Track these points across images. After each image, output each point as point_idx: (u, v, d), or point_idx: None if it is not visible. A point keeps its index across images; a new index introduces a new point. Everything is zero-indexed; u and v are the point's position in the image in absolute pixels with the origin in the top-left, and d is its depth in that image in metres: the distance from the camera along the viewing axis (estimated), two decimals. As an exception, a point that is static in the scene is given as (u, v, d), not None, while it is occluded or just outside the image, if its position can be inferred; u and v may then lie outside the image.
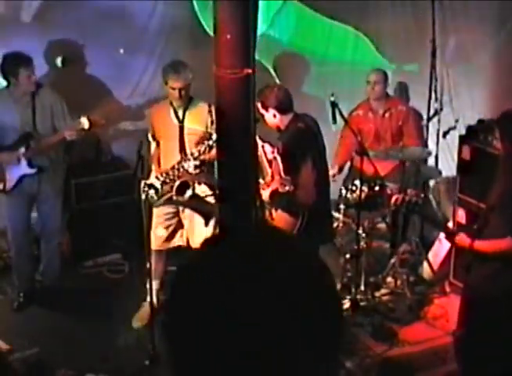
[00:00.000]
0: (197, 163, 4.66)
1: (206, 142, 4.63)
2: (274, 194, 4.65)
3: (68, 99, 5.16)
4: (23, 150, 4.95)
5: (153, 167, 5.00)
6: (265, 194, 4.65)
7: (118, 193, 5.80)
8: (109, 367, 4.33)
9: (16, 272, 5.32)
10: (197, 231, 4.97)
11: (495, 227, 3.77)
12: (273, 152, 4.78)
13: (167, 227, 5.05)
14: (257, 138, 4.62)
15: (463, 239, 3.93)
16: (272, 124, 4.67)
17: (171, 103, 4.87)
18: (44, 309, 5.19)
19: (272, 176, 4.71)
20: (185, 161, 4.71)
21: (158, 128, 4.94)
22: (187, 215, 5.02)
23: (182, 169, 4.72)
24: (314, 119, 4.73)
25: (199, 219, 4.98)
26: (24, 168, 4.99)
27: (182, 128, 4.87)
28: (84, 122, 4.78)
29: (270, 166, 4.75)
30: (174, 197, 4.78)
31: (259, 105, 4.57)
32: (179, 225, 5.08)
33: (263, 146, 4.72)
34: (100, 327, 4.92)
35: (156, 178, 4.78)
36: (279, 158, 4.65)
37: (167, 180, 4.76)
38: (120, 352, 4.68)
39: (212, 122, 4.75)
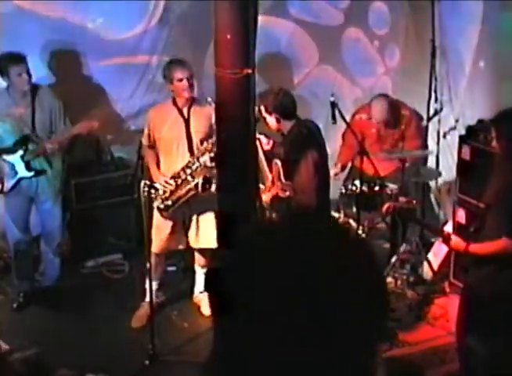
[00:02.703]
0: (212, 155, 4.62)
1: None
2: (274, 199, 4.63)
3: (67, 101, 5.17)
4: (21, 152, 4.95)
5: (153, 171, 4.94)
6: (265, 199, 4.63)
7: (118, 193, 5.80)
8: (109, 367, 4.33)
9: (15, 272, 5.32)
10: (203, 233, 4.96)
11: (491, 228, 3.77)
12: (268, 143, 4.78)
13: (171, 230, 4.99)
14: None
15: (457, 243, 3.93)
16: (274, 128, 4.64)
17: (174, 103, 4.85)
18: (44, 309, 5.19)
19: (273, 181, 4.68)
20: (201, 156, 4.67)
21: (161, 128, 4.88)
22: (193, 217, 5.00)
23: (196, 166, 4.69)
24: (316, 125, 4.71)
25: (205, 221, 4.96)
26: (22, 171, 4.99)
27: (188, 127, 4.84)
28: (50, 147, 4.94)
29: (270, 171, 4.73)
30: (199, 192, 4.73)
31: (262, 108, 4.53)
32: (182, 228, 5.06)
33: (259, 138, 4.70)
34: (100, 326, 4.92)
35: (166, 182, 4.75)
36: (279, 163, 4.63)
37: (179, 182, 4.72)
38: (120, 352, 4.68)
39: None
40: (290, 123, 4.55)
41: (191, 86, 4.77)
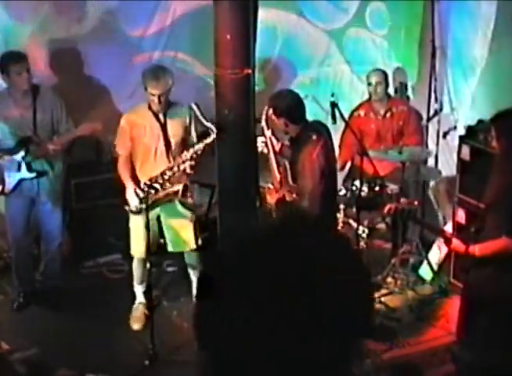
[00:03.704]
0: (193, 163, 4.64)
1: (204, 141, 4.61)
2: (279, 201, 4.60)
3: (67, 101, 5.16)
4: (22, 153, 4.94)
5: (128, 184, 4.81)
6: (272, 201, 4.61)
7: (118, 193, 5.78)
8: (110, 367, 4.33)
9: (16, 272, 5.30)
10: (182, 234, 4.99)
11: (492, 228, 3.78)
12: (277, 144, 4.76)
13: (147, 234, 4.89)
14: (266, 128, 4.58)
15: (458, 245, 3.93)
16: (281, 131, 4.59)
17: (150, 108, 4.76)
18: (44, 309, 5.19)
19: (281, 182, 4.65)
20: (183, 163, 4.68)
21: (137, 133, 4.79)
22: (167, 220, 4.97)
23: (176, 171, 4.70)
24: (326, 127, 4.65)
25: (180, 223, 4.98)
26: (24, 172, 4.97)
27: (165, 131, 4.80)
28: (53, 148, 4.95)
29: (279, 171, 4.69)
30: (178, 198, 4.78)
31: (270, 111, 4.47)
32: (158, 232, 5.02)
33: (270, 138, 4.68)
34: (100, 326, 4.92)
35: (146, 184, 4.74)
36: (287, 165, 4.59)
37: (158, 187, 4.72)
38: (120, 352, 4.68)
39: (190, 123, 4.78)
40: (299, 127, 4.47)
41: (164, 101, 4.68)
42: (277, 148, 4.78)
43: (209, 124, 4.52)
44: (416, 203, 5.06)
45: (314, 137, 4.42)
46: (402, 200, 4.90)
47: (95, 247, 5.78)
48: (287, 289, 0.99)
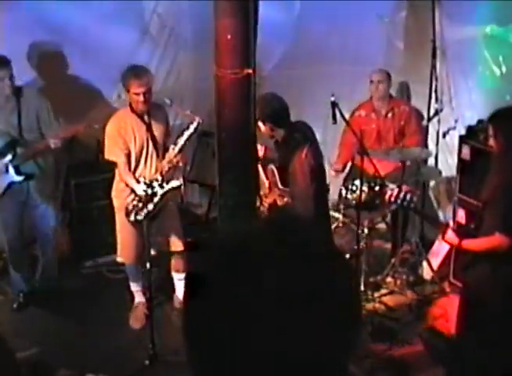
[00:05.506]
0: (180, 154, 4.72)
1: (190, 128, 4.62)
2: (271, 206, 4.59)
3: (59, 103, 5.12)
4: (9, 156, 4.89)
5: (134, 181, 4.81)
6: (263, 207, 4.60)
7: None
8: (109, 367, 4.33)
9: (13, 274, 5.30)
10: (173, 232, 5.03)
11: (489, 225, 3.78)
12: (261, 149, 4.76)
13: (138, 239, 4.94)
14: None
15: (450, 238, 3.94)
16: (267, 135, 4.57)
17: (133, 110, 4.73)
18: (44, 309, 5.19)
19: (270, 187, 4.65)
20: (174, 157, 4.70)
21: (128, 137, 4.76)
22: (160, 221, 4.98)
23: (170, 168, 4.73)
24: (308, 126, 4.62)
25: (171, 222, 5.00)
26: (12, 176, 4.92)
27: (152, 132, 4.80)
28: (54, 142, 4.82)
29: (267, 177, 4.69)
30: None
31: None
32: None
33: None
34: (100, 327, 4.92)
35: (146, 184, 4.73)
36: (275, 169, 4.58)
37: (156, 186, 4.73)
38: (120, 352, 4.68)
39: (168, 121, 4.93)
40: (284, 130, 4.45)
41: (148, 100, 4.68)
42: (261, 153, 4.77)
43: (189, 113, 4.64)
44: (418, 192, 5.05)
45: (301, 138, 4.40)
46: (404, 187, 4.86)
47: (95, 247, 5.79)
48: (276, 289, 0.98)
